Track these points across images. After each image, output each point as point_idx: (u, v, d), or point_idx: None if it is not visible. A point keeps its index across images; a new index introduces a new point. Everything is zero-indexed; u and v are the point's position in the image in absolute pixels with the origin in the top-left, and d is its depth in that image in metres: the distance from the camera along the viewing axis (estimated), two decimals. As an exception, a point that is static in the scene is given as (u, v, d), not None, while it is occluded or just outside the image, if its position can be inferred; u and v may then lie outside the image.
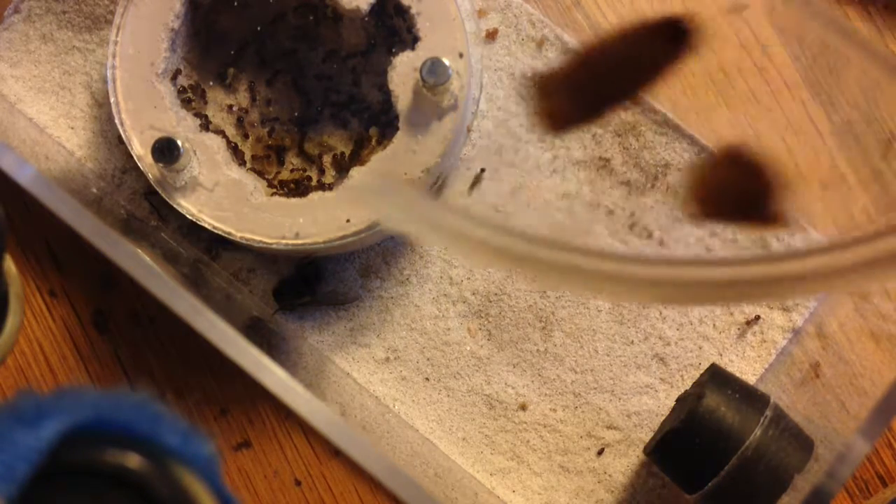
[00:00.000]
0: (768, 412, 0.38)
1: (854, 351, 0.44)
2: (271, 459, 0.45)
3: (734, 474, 0.37)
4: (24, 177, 0.33)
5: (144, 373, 0.45)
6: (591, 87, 0.31)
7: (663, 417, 0.44)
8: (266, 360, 0.31)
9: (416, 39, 0.42)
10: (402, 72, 0.41)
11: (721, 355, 0.44)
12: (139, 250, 0.31)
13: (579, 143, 0.45)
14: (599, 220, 0.45)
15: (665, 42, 0.30)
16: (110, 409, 0.20)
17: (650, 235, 0.45)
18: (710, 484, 0.38)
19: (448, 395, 0.45)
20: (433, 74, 0.40)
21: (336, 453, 0.45)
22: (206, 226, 0.41)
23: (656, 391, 0.44)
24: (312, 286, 0.44)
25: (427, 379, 0.45)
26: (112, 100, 0.41)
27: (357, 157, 0.44)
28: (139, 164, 0.41)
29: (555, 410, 0.45)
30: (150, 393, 0.21)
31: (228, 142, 0.44)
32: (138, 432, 0.20)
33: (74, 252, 0.45)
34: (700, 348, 0.44)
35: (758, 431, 0.37)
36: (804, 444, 0.38)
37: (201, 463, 0.20)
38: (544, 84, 0.31)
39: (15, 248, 0.45)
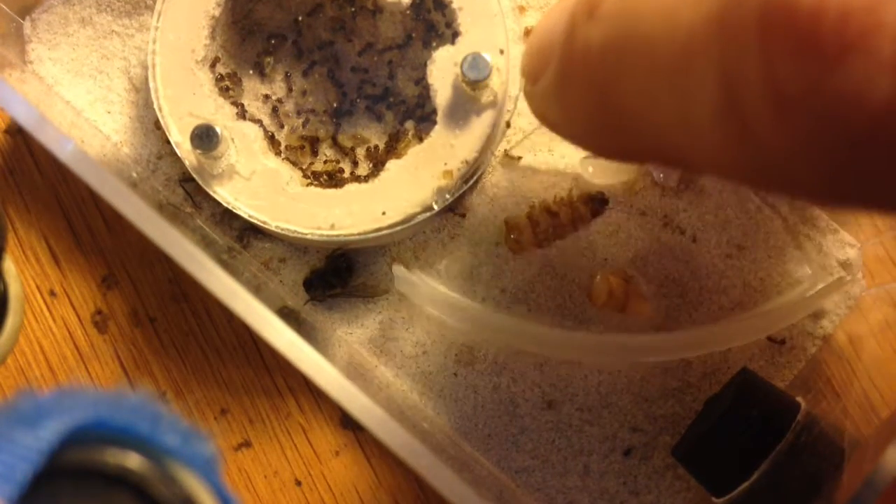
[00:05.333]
0: (800, 417, 0.38)
1: (884, 358, 0.43)
2: (271, 459, 0.45)
3: (766, 479, 0.37)
4: (64, 152, 0.33)
5: (144, 373, 0.45)
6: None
7: (690, 420, 0.44)
8: (306, 345, 0.31)
9: (455, 34, 0.42)
10: (442, 66, 0.41)
11: (749, 360, 0.44)
12: (181, 235, 0.31)
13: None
14: (632, 219, 0.45)
15: None
16: (110, 409, 0.20)
17: (683, 232, 0.45)
18: (740, 488, 0.38)
19: (475, 392, 0.45)
20: (474, 70, 0.39)
21: (336, 453, 0.45)
22: (242, 214, 0.41)
23: (683, 394, 0.44)
24: (343, 278, 0.44)
25: (455, 374, 0.45)
26: (151, 85, 0.41)
27: (393, 150, 0.44)
28: (177, 151, 0.41)
29: (581, 411, 0.44)
30: (150, 393, 0.21)
31: (265, 131, 0.44)
32: (138, 432, 0.20)
33: (74, 252, 0.45)
34: (728, 351, 0.44)
35: (790, 436, 0.37)
36: (836, 452, 0.38)
37: (201, 463, 0.21)
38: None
39: (15, 248, 0.45)
